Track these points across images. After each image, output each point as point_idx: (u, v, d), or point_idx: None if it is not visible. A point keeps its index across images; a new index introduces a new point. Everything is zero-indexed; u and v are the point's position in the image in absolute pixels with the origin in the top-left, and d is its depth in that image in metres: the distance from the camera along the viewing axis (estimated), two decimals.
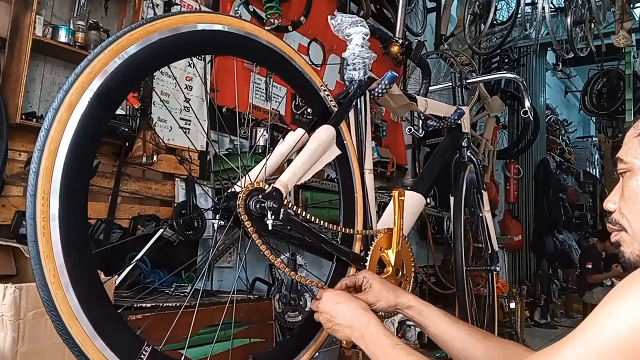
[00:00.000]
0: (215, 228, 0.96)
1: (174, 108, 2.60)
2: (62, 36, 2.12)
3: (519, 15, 5.04)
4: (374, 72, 1.37)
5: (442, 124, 1.72)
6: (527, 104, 2.19)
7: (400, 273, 1.29)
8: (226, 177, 2.18)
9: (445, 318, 1.04)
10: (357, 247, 1.26)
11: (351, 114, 1.31)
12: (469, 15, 5.17)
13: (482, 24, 5.11)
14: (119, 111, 2.21)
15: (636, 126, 0.83)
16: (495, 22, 5.26)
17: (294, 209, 1.00)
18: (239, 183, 0.98)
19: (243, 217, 0.90)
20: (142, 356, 0.76)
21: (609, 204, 0.84)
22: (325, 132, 1.09)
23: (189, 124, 2.66)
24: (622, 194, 0.82)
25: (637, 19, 5.21)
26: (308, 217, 1.03)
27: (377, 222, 1.34)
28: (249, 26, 0.99)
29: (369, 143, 1.35)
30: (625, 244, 0.80)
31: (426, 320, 1.05)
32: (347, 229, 1.19)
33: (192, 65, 2.61)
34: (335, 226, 1.12)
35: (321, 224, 1.06)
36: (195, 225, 2.33)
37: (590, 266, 5.99)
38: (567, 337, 0.70)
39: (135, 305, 1.74)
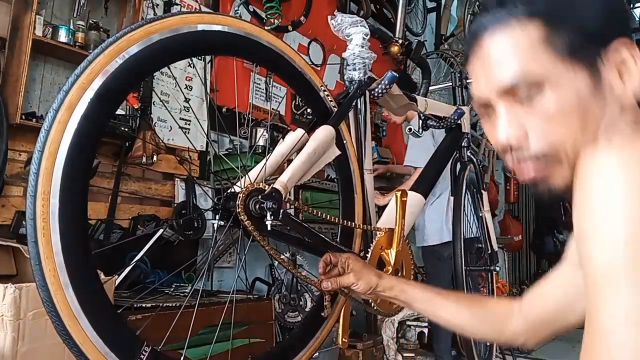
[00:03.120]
0: (215, 228, 0.96)
1: (173, 108, 2.60)
2: (62, 36, 2.13)
3: None
4: (374, 72, 1.37)
5: (442, 124, 1.72)
6: None
7: (399, 273, 1.29)
8: (226, 177, 2.19)
9: (428, 292, 1.04)
10: (356, 247, 1.26)
11: (351, 114, 1.31)
12: (469, 15, 5.17)
13: None
14: (119, 111, 2.21)
15: (524, 29, 0.62)
16: None
17: (296, 204, 1.01)
18: (238, 183, 0.98)
19: (242, 217, 0.90)
20: (142, 356, 0.76)
21: (512, 138, 0.64)
22: (324, 132, 1.09)
23: (189, 124, 2.66)
24: (533, 119, 0.62)
25: (637, 19, 5.20)
26: (309, 211, 1.03)
27: (377, 222, 1.34)
28: (249, 26, 0.99)
29: (369, 143, 1.35)
30: (554, 176, 0.64)
31: (411, 298, 1.04)
32: (347, 225, 1.20)
33: (192, 65, 2.61)
34: (334, 218, 1.12)
35: (323, 216, 1.06)
36: (195, 225, 2.33)
37: None
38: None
39: (135, 306, 1.74)
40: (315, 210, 1.06)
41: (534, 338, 0.90)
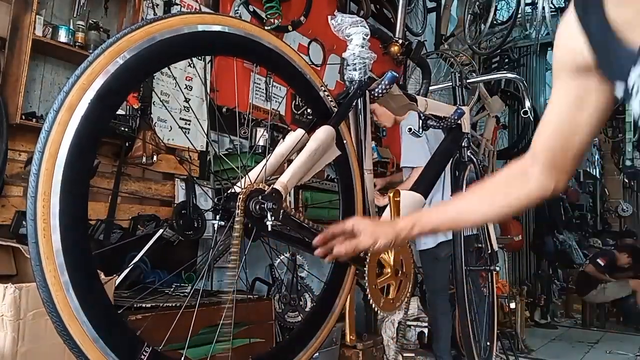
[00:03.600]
0: (215, 228, 0.96)
1: (173, 108, 2.60)
2: (62, 36, 2.12)
3: (519, 15, 5.04)
4: (374, 72, 1.37)
5: (442, 124, 1.72)
6: (527, 104, 2.20)
7: (399, 272, 1.29)
8: (226, 178, 2.18)
9: (448, 205, 1.03)
10: None
11: (351, 114, 1.31)
12: (469, 15, 5.17)
13: (482, 24, 5.11)
14: (119, 111, 2.21)
15: None
16: (495, 22, 5.27)
17: (297, 215, 1.01)
18: (239, 184, 0.98)
19: (239, 218, 0.90)
20: (143, 357, 0.76)
21: None
22: (324, 132, 1.09)
23: (189, 124, 2.66)
24: None
25: None
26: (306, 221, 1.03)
27: None
28: (249, 27, 0.99)
29: (369, 143, 1.35)
30: None
31: (435, 223, 1.01)
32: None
33: (192, 65, 2.61)
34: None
35: (316, 227, 1.06)
36: (195, 225, 2.33)
37: (603, 263, 5.87)
38: None
39: (135, 306, 1.74)
40: (315, 210, 1.06)
41: (561, 174, 0.90)
